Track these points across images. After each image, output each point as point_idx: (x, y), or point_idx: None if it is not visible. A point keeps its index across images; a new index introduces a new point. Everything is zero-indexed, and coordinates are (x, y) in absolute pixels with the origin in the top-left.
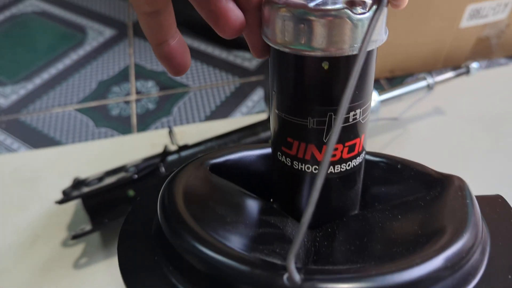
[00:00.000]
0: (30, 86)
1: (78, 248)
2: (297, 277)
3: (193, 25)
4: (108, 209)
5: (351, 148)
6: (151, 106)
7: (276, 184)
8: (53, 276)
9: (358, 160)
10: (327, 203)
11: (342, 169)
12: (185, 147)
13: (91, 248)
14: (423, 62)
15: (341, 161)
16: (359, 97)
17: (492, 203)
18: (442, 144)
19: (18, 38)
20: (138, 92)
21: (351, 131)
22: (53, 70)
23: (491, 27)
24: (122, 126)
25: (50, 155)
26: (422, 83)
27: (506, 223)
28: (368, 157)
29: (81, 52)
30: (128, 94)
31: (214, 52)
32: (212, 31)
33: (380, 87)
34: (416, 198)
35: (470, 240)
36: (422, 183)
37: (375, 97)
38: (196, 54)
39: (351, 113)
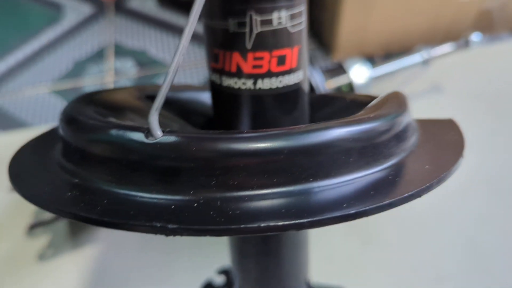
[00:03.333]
0: (2, 66)
1: (43, 238)
2: (158, 133)
3: (174, 0)
4: None
5: (281, 60)
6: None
7: (214, 111)
8: (16, 269)
9: (292, 78)
10: (262, 126)
11: (273, 86)
12: None
13: (58, 238)
14: (420, 37)
15: (270, 74)
16: None
17: (442, 122)
18: None
19: None
20: (116, 72)
21: (277, 38)
22: (27, 49)
23: None
24: None
25: (18, 138)
26: (418, 58)
27: (442, 132)
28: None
29: (58, 30)
30: (105, 74)
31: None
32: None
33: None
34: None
35: (382, 126)
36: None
37: (365, 73)
38: (177, 31)
39: (275, 15)
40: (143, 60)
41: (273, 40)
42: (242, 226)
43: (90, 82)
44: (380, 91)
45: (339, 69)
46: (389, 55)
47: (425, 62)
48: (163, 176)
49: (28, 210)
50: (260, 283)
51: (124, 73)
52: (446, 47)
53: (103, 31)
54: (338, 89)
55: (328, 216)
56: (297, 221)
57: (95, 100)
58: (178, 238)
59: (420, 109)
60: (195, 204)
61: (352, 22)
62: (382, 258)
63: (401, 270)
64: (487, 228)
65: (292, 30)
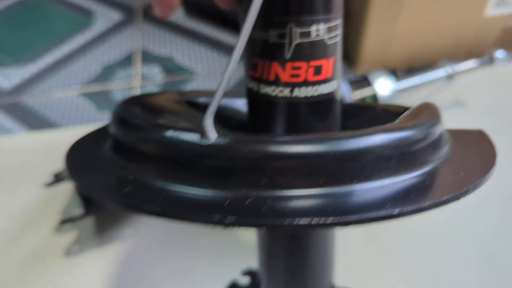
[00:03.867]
0: (34, 68)
1: (70, 235)
2: (212, 135)
3: (201, 9)
4: None
5: (317, 70)
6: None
7: (249, 117)
8: (44, 263)
9: (327, 88)
10: (296, 132)
11: (308, 94)
12: None
13: (84, 235)
14: (444, 53)
15: (307, 83)
16: (321, 9)
17: (472, 132)
18: None
19: (26, 21)
20: (143, 78)
21: (315, 49)
22: (58, 54)
23: None
24: None
25: (49, 138)
26: (442, 73)
27: (474, 142)
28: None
29: (88, 35)
30: (132, 79)
31: (220, 36)
32: (220, 15)
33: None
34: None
35: (419, 134)
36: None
37: (390, 86)
38: (203, 40)
39: (313, 28)
40: (169, 66)
41: (310, 51)
42: (293, 222)
43: (117, 86)
44: (404, 103)
45: (364, 81)
46: (411, 69)
47: (449, 77)
48: (217, 175)
49: (57, 207)
50: (287, 285)
51: (151, 78)
52: (470, 63)
53: (131, 37)
54: (363, 100)
55: (374, 215)
56: (345, 219)
57: (141, 103)
58: (202, 238)
59: (443, 123)
60: (247, 201)
61: (376, 36)
62: (399, 270)
63: (418, 282)
64: (506, 242)
65: (328, 42)
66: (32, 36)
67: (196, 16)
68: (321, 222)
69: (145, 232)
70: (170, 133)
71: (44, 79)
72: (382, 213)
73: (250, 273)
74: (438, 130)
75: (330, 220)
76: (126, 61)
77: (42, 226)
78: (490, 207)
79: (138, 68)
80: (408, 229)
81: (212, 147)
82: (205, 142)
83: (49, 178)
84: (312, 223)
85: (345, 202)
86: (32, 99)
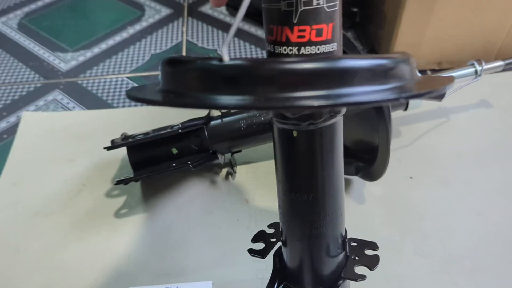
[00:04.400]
0: (88, 54)
1: (120, 200)
2: (226, 57)
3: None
4: (152, 163)
5: (319, 32)
6: None
7: None
8: (94, 223)
9: (328, 47)
10: None
11: (312, 52)
12: (228, 113)
13: (132, 201)
14: (473, 56)
15: (311, 43)
16: None
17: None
18: (484, 137)
19: (82, 12)
20: None
21: (316, 16)
22: (110, 41)
23: None
24: None
25: (102, 115)
26: (470, 70)
27: (439, 79)
28: None
29: (138, 27)
30: None
31: (258, 33)
32: (259, 13)
33: None
34: None
35: (392, 63)
36: None
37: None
38: (244, 35)
39: None
40: None
41: (313, 16)
42: (300, 103)
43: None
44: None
45: None
46: (440, 71)
47: (476, 75)
48: (234, 85)
49: (109, 175)
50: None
51: None
52: (497, 63)
53: (178, 30)
54: None
55: (363, 99)
56: (342, 100)
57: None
58: (238, 209)
59: (466, 120)
60: (263, 100)
61: (407, 39)
62: (419, 247)
63: (437, 259)
64: None
65: (327, 9)
66: (88, 25)
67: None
68: (325, 103)
69: (187, 201)
70: (200, 61)
71: (97, 63)
72: (367, 98)
73: (273, 224)
74: (406, 64)
75: (331, 102)
76: (172, 51)
77: (95, 191)
78: (510, 196)
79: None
80: (428, 210)
81: (227, 65)
82: (222, 63)
83: (104, 151)
84: (321, 103)
85: (339, 95)
86: (86, 80)
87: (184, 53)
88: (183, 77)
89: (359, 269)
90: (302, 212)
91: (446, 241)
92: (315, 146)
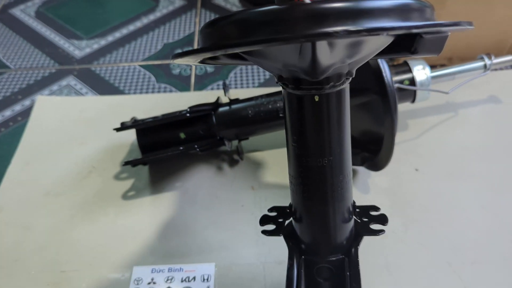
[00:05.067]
0: (102, 42)
1: (128, 183)
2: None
3: (255, 2)
4: (160, 146)
5: None
6: (209, 69)
7: None
8: (103, 203)
9: None
10: None
11: None
12: (236, 101)
13: (139, 184)
14: (484, 51)
15: None
16: None
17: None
18: (492, 132)
19: (98, 1)
20: None
21: None
22: (124, 30)
23: None
24: (181, 84)
25: (113, 101)
26: (479, 63)
27: None
28: None
29: (151, 17)
30: None
31: None
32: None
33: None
34: None
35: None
36: None
37: (427, 72)
38: None
39: None
40: None
41: None
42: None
43: (175, 63)
44: (439, 88)
45: (404, 66)
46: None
47: (486, 69)
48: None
49: (118, 158)
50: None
51: None
52: (507, 58)
53: (191, 21)
54: (401, 82)
55: (388, 25)
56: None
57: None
58: (242, 194)
59: (474, 115)
60: (303, 34)
61: None
62: (422, 238)
63: (440, 251)
64: None
65: None
66: (103, 14)
67: (249, 6)
68: (354, 29)
69: (193, 186)
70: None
71: (111, 51)
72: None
73: (274, 208)
74: (428, 7)
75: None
76: (184, 41)
77: (104, 173)
78: None
79: (195, 48)
80: (432, 202)
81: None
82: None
83: (114, 134)
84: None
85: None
86: (100, 67)
87: (196, 44)
88: (228, 26)
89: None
90: (323, 177)
91: (449, 233)
92: (334, 109)
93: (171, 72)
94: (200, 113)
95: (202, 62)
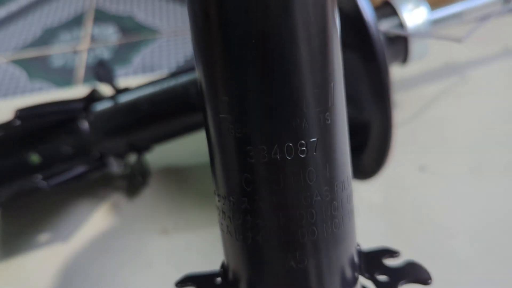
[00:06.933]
0: None
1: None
2: None
3: None
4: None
5: None
6: (106, 55)
7: None
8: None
9: None
10: None
11: None
12: (125, 91)
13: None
14: None
15: None
16: None
17: None
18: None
19: None
20: (93, 39)
21: None
22: None
23: None
24: (64, 79)
25: None
26: None
27: None
28: None
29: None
30: (80, 41)
31: None
32: None
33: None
34: None
35: None
36: None
37: (422, 15)
38: None
39: None
40: (127, 25)
41: None
42: None
43: (58, 51)
44: (443, 34)
45: (386, 8)
46: None
47: (506, 1)
48: None
49: None
50: None
51: (102, 40)
52: None
53: None
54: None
55: None
56: None
57: None
58: (146, 241)
59: (486, 78)
60: None
61: None
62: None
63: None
64: None
65: None
66: None
67: None
68: None
69: (68, 236)
70: None
71: None
72: None
73: (189, 278)
74: None
75: None
76: (74, 21)
77: None
78: None
79: (89, 28)
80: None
81: None
82: None
83: None
84: None
85: None
86: None
87: (91, 23)
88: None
89: None
90: (297, 185)
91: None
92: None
93: (50, 65)
94: (58, 116)
95: None
